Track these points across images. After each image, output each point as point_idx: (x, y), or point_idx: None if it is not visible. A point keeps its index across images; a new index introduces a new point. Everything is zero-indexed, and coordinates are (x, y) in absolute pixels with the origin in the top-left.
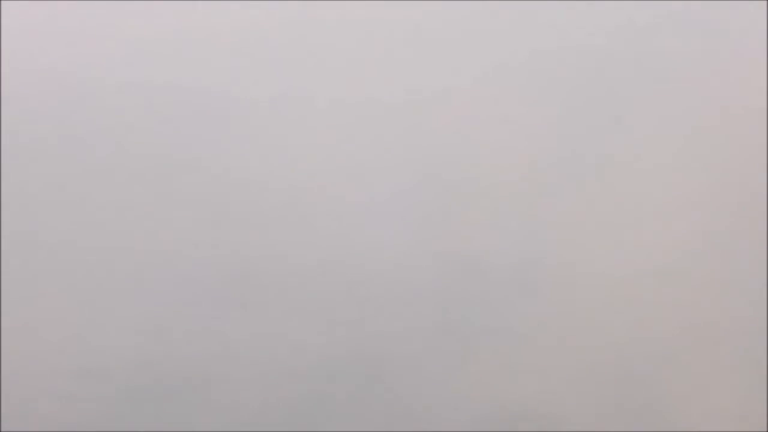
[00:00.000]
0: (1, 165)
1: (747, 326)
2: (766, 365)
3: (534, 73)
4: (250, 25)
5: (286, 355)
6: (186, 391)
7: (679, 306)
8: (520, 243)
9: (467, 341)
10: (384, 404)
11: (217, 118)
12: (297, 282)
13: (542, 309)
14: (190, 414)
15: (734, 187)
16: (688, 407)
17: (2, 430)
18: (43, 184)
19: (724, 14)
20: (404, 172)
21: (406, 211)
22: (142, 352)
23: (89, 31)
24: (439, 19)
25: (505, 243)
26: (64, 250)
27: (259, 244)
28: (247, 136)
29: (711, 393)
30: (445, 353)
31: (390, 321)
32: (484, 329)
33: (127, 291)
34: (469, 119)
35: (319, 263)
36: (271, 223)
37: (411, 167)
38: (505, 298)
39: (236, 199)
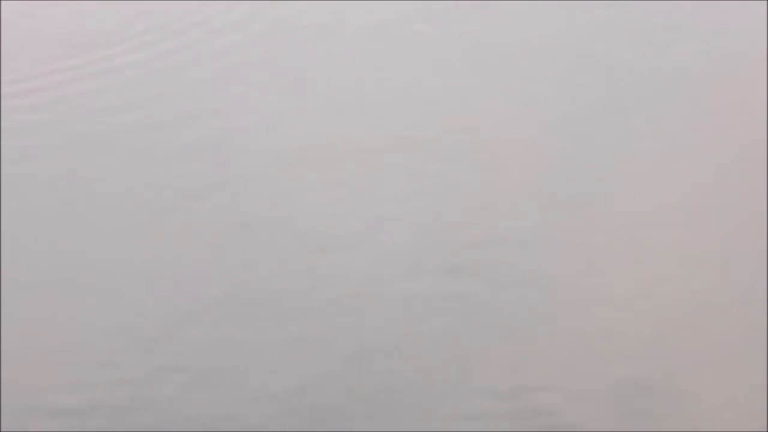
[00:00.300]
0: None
1: (747, 326)
2: (766, 364)
3: (545, 77)
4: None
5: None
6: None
7: (680, 305)
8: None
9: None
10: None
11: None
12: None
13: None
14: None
15: (737, 184)
16: (689, 406)
17: (2, 430)
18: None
19: (724, 15)
20: (416, 158)
21: (419, 191)
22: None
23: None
24: (456, 23)
25: (514, 219)
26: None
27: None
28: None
29: (711, 392)
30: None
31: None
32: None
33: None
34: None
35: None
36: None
37: (422, 156)
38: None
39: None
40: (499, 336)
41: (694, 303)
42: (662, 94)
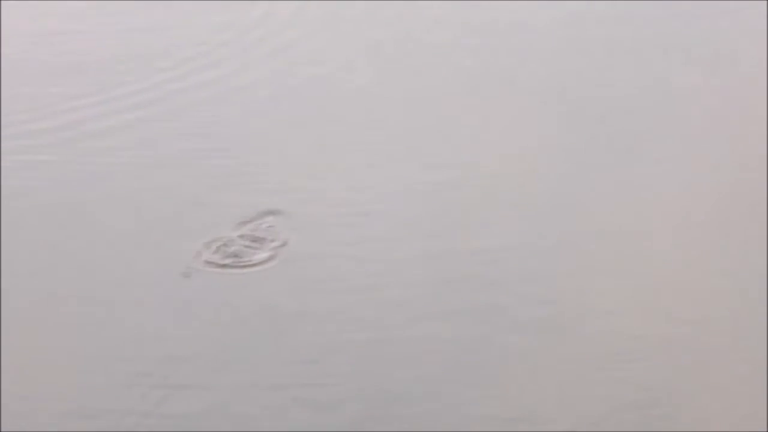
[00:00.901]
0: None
1: (747, 327)
2: (766, 365)
3: (548, 90)
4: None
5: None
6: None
7: (680, 306)
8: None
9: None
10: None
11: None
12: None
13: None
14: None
15: (738, 189)
16: (689, 407)
17: (2, 429)
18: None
19: (725, 18)
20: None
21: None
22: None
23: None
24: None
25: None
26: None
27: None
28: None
29: (711, 393)
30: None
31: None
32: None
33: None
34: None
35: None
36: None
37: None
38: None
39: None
40: None
41: (693, 307)
42: (659, 96)
